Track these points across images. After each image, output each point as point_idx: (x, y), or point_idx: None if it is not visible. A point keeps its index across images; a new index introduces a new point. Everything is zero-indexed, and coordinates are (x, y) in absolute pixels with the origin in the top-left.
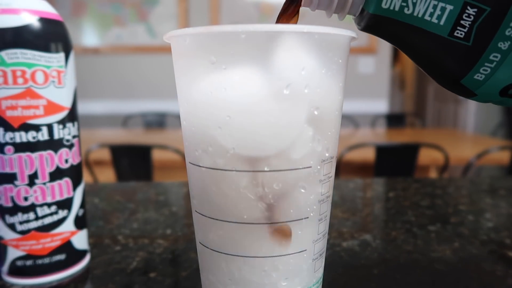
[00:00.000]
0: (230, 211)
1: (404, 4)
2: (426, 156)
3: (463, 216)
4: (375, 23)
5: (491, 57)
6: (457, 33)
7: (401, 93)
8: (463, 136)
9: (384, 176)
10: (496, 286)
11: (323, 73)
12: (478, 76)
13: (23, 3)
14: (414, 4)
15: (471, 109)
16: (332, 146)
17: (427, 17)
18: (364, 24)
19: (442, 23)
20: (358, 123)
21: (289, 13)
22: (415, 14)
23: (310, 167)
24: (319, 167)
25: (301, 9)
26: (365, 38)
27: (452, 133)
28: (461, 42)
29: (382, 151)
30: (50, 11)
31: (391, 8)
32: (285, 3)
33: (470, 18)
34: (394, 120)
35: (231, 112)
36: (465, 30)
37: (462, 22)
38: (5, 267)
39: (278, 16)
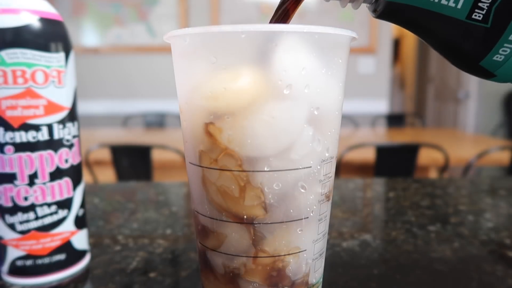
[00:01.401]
0: (229, 211)
1: None
2: (426, 156)
3: (463, 216)
4: (391, 10)
5: (510, 38)
6: (475, 15)
7: (401, 93)
8: (463, 136)
9: (384, 176)
10: (496, 286)
11: (323, 73)
12: (497, 57)
13: (23, 3)
14: None
15: (471, 109)
16: (332, 146)
17: (443, 2)
18: (379, 11)
19: (459, 6)
20: (358, 123)
21: (288, 13)
22: None
23: (310, 167)
24: (319, 167)
25: (301, 8)
26: (365, 38)
27: (452, 133)
28: (480, 24)
29: (382, 151)
30: (50, 11)
31: None
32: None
33: (488, 0)
34: (394, 120)
35: (231, 112)
36: (483, 12)
37: (480, 4)
38: (5, 267)
39: (277, 13)
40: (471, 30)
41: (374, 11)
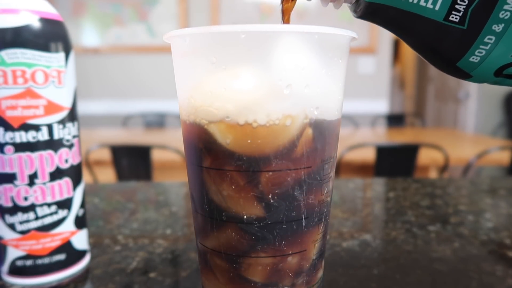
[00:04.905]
0: (229, 211)
1: None
2: (426, 156)
3: (463, 216)
4: (371, 10)
5: (485, 40)
6: (452, 17)
7: (401, 93)
8: (463, 136)
9: (384, 176)
10: (496, 286)
11: (323, 73)
12: (473, 58)
13: (23, 3)
14: None
15: (471, 109)
16: (332, 146)
17: (422, 3)
18: (360, 12)
19: (437, 8)
20: (358, 123)
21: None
22: (410, 0)
23: (310, 167)
24: (319, 167)
25: (301, 8)
26: (365, 38)
27: (452, 133)
28: (456, 26)
29: (382, 151)
30: (50, 11)
31: None
32: None
33: (465, 2)
34: (394, 120)
35: (231, 112)
36: (460, 14)
37: (457, 6)
38: (5, 267)
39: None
40: (448, 31)
41: (355, 11)
